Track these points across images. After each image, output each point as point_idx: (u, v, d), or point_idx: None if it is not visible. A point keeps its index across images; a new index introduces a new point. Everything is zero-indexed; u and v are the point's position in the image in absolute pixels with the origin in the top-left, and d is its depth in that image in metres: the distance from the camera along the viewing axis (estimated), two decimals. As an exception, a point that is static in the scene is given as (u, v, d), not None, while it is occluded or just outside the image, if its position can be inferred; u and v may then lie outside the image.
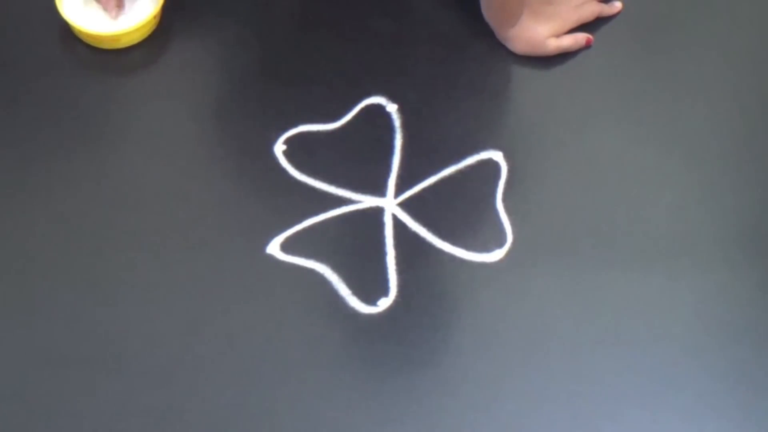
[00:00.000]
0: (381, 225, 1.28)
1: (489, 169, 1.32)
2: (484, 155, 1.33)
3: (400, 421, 1.17)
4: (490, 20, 1.39)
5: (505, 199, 1.30)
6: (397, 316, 1.23)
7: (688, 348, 1.22)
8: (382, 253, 1.27)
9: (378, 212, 1.29)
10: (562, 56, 1.40)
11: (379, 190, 1.31)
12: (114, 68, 1.39)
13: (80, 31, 1.38)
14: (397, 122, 1.35)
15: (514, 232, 1.28)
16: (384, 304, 1.24)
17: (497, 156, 1.33)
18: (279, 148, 1.33)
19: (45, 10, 1.39)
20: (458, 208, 1.30)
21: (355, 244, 1.27)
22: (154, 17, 1.39)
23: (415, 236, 1.28)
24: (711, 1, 1.47)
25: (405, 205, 1.30)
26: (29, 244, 1.27)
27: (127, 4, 1.39)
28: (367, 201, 1.30)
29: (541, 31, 1.38)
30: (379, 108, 1.36)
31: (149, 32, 1.40)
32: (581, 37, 1.40)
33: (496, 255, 1.27)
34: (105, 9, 1.36)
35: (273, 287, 1.25)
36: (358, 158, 1.33)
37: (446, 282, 1.25)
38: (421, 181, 1.31)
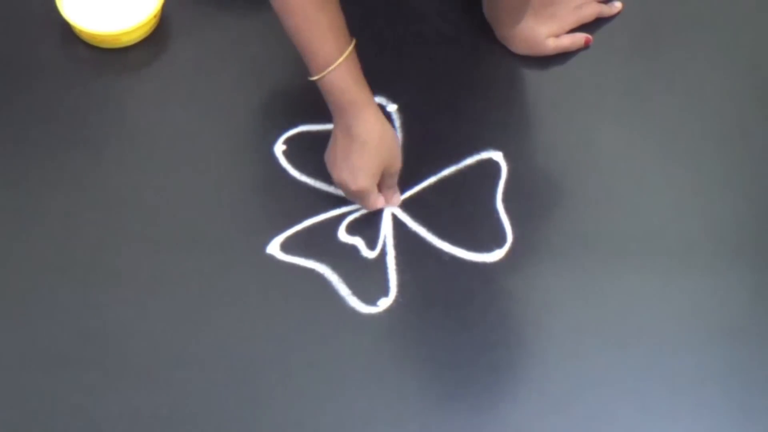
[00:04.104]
0: (381, 225, 1.28)
1: (489, 169, 1.32)
2: (484, 155, 1.33)
3: (400, 420, 1.17)
4: (492, 20, 1.39)
5: (505, 199, 1.30)
6: (397, 316, 1.23)
7: (687, 349, 1.22)
8: (382, 253, 1.27)
9: (378, 212, 1.29)
10: (562, 56, 1.40)
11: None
12: (114, 68, 1.39)
13: (80, 31, 1.38)
14: (397, 122, 1.35)
15: (514, 232, 1.28)
16: (384, 304, 1.24)
17: (497, 156, 1.33)
18: (279, 148, 1.33)
19: (45, 10, 1.39)
20: (458, 208, 1.30)
21: (354, 245, 1.27)
22: (154, 17, 1.39)
23: (415, 236, 1.28)
24: (710, 1, 1.47)
25: (405, 205, 1.30)
26: (29, 243, 1.27)
27: (127, 4, 1.39)
28: (367, 201, 1.30)
29: (540, 31, 1.38)
30: (379, 108, 1.35)
31: (149, 32, 1.40)
32: (580, 38, 1.40)
33: (496, 255, 1.27)
34: None
35: (273, 287, 1.25)
36: (358, 158, 1.33)
37: (446, 282, 1.25)
38: (421, 181, 1.32)
